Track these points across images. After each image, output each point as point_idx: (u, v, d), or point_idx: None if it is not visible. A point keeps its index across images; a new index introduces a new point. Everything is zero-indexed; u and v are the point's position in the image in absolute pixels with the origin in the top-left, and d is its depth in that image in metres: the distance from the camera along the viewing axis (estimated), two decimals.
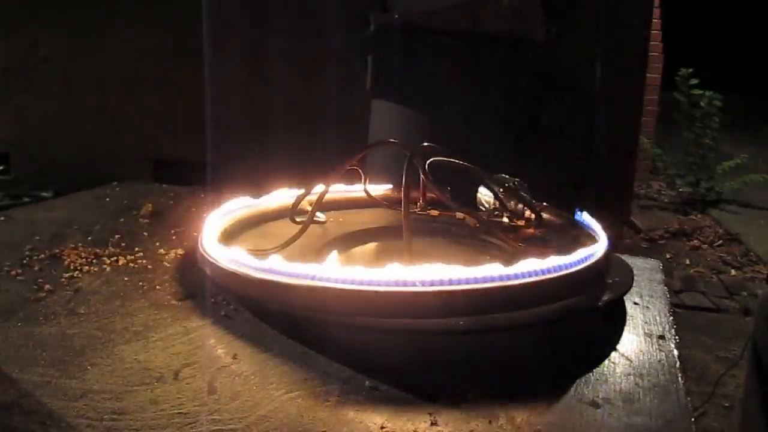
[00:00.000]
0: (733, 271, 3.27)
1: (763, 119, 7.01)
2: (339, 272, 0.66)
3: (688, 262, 3.41)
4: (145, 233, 1.00)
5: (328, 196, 1.05)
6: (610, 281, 0.79)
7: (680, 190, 4.29)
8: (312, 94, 2.85)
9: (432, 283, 0.64)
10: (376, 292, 0.64)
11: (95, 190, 1.22)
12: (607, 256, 0.76)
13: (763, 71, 8.04)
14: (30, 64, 3.37)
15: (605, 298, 0.74)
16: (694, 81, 4.19)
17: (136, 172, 3.34)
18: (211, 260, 0.77)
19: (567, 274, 0.68)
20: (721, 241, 3.64)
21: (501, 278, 0.65)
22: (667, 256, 3.49)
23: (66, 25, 3.28)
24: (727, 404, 2.05)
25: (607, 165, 3.34)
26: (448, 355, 0.66)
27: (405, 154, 0.94)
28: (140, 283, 0.81)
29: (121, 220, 1.06)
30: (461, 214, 1.06)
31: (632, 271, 0.84)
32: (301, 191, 1.00)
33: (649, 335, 0.74)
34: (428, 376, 0.63)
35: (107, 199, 1.17)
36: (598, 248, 0.76)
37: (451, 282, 0.64)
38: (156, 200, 1.16)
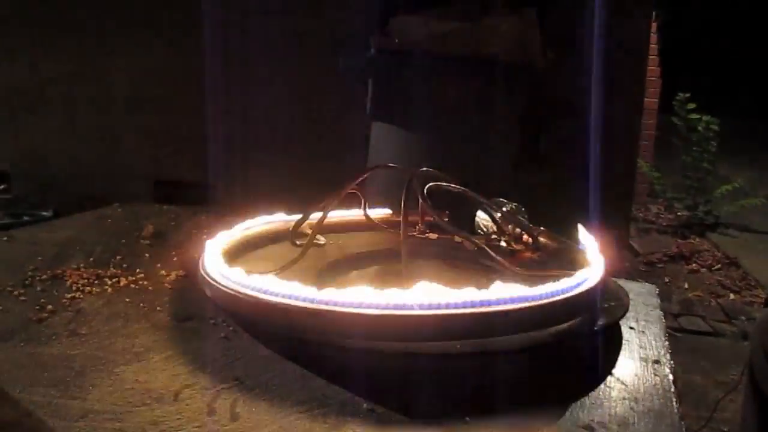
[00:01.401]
0: (731, 295, 3.27)
1: (761, 144, 7.05)
2: (337, 295, 0.67)
3: (686, 285, 3.41)
4: (147, 254, 1.01)
5: (327, 220, 1.07)
6: (607, 306, 0.79)
7: (678, 213, 4.30)
8: (313, 116, 2.87)
9: (429, 307, 0.65)
10: (373, 315, 0.65)
11: (97, 211, 1.23)
12: (603, 281, 0.77)
13: (760, 96, 8.11)
14: (32, 85, 3.40)
15: (601, 322, 0.75)
16: (691, 105, 4.22)
17: (136, 191, 3.36)
18: (211, 282, 0.78)
19: (562, 299, 0.69)
20: (719, 265, 3.64)
21: (497, 302, 0.66)
22: (666, 279, 3.50)
23: (68, 46, 3.32)
24: (725, 429, 2.04)
25: (606, 189, 3.36)
26: (446, 378, 0.67)
27: (404, 178, 0.95)
28: (141, 305, 0.82)
29: (123, 241, 1.07)
30: (459, 237, 1.07)
31: (628, 296, 0.85)
32: (301, 214, 1.01)
33: (644, 360, 0.75)
34: (425, 399, 0.64)
35: (109, 220, 1.18)
36: (593, 273, 0.77)
37: (448, 306, 0.65)
38: (157, 221, 1.17)
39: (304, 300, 0.68)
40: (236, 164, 3.04)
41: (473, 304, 0.65)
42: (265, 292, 0.71)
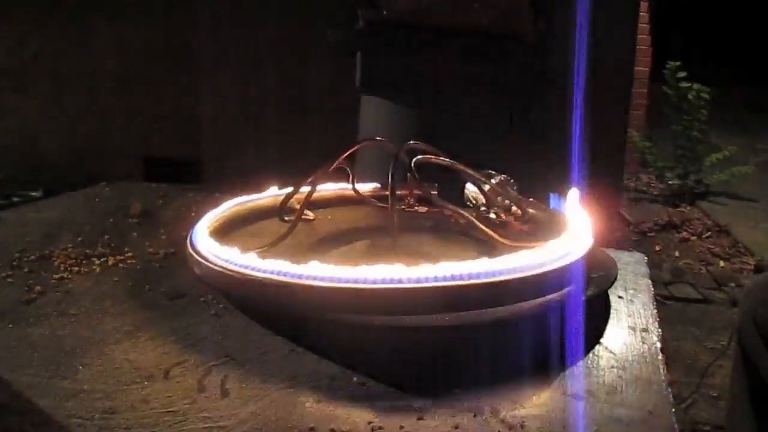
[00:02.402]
0: (721, 263, 3.30)
1: (750, 111, 7.06)
2: (325, 270, 0.67)
3: (677, 254, 3.43)
4: (135, 233, 1.01)
5: (317, 194, 1.06)
6: (595, 275, 0.80)
7: (669, 182, 4.31)
8: (303, 90, 2.85)
9: (418, 280, 0.65)
10: (362, 290, 0.65)
11: (85, 191, 1.22)
12: (590, 251, 0.77)
13: (750, 63, 8.09)
14: (19, 63, 3.36)
15: (589, 292, 0.75)
16: (682, 74, 4.21)
17: (126, 170, 3.34)
18: (200, 259, 0.77)
19: (550, 270, 0.69)
20: (709, 233, 3.67)
21: (486, 274, 0.66)
22: (657, 248, 3.52)
23: (54, 23, 3.27)
24: (715, 394, 2.07)
25: (596, 159, 3.35)
26: (435, 350, 0.67)
27: (392, 152, 0.95)
28: (130, 284, 0.82)
29: (111, 220, 1.06)
30: (448, 210, 1.07)
31: (616, 265, 0.85)
32: (289, 190, 1.01)
33: (632, 328, 0.75)
34: (415, 372, 0.64)
35: (97, 200, 1.18)
36: (581, 243, 0.77)
37: (436, 279, 0.65)
38: (145, 200, 1.16)
39: (290, 275, 0.68)
40: (225, 141, 3.02)
41: (461, 277, 0.65)
42: (252, 269, 0.71)
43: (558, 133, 2.58)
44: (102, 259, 0.89)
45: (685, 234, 3.68)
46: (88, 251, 0.91)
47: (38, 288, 0.79)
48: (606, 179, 3.39)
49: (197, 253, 0.79)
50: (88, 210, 1.12)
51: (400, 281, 0.65)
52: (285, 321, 0.70)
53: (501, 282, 0.66)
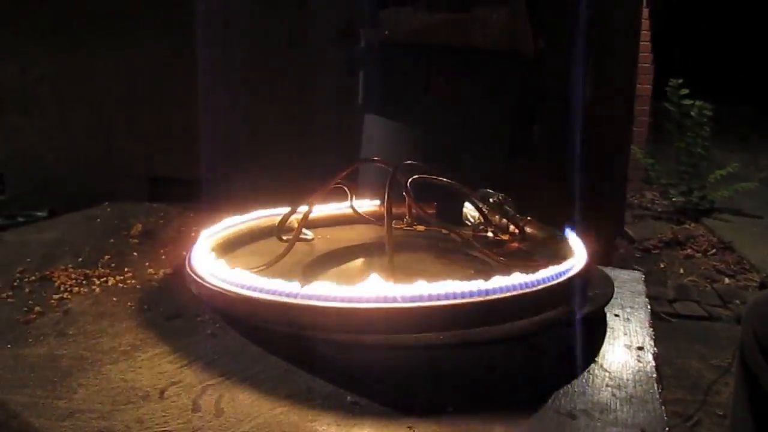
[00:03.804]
0: (726, 280, 3.29)
1: (753, 128, 7.07)
2: (318, 289, 0.67)
3: (681, 271, 3.43)
4: (135, 253, 1.01)
5: (316, 214, 1.07)
6: (591, 294, 0.80)
7: (673, 199, 4.31)
8: (306, 110, 2.88)
9: (411, 299, 0.65)
10: (356, 309, 0.66)
11: (86, 211, 1.23)
12: (586, 270, 0.78)
13: (751, 80, 8.11)
14: (23, 84, 3.40)
15: (585, 310, 0.75)
16: (684, 91, 4.23)
17: (130, 190, 3.36)
18: (197, 279, 0.78)
19: (545, 288, 0.69)
20: (714, 250, 3.66)
21: (479, 293, 0.66)
22: (661, 265, 3.52)
23: (58, 45, 3.31)
24: (720, 413, 2.05)
25: (600, 176, 3.36)
26: (428, 369, 0.67)
27: (389, 171, 0.96)
28: (129, 304, 0.83)
29: (111, 240, 1.07)
30: (445, 229, 1.08)
31: (613, 284, 0.85)
32: (287, 209, 1.02)
33: (628, 347, 0.75)
34: (408, 390, 0.64)
35: (98, 220, 1.19)
36: (576, 262, 0.78)
37: (430, 298, 0.66)
38: (146, 220, 1.17)
39: (285, 295, 0.69)
40: (229, 160, 3.04)
41: (455, 296, 0.66)
42: (247, 288, 0.71)
43: (560, 151, 2.59)
44: (102, 280, 0.89)
45: (689, 251, 3.67)
46: (88, 271, 0.92)
47: (38, 308, 0.79)
48: (609, 197, 3.40)
49: (194, 272, 0.80)
50: (89, 230, 1.13)
51: (393, 300, 0.66)
52: (280, 340, 0.70)
53: (495, 301, 0.67)
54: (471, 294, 0.66)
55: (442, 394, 0.64)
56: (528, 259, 0.89)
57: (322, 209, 1.13)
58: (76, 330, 0.75)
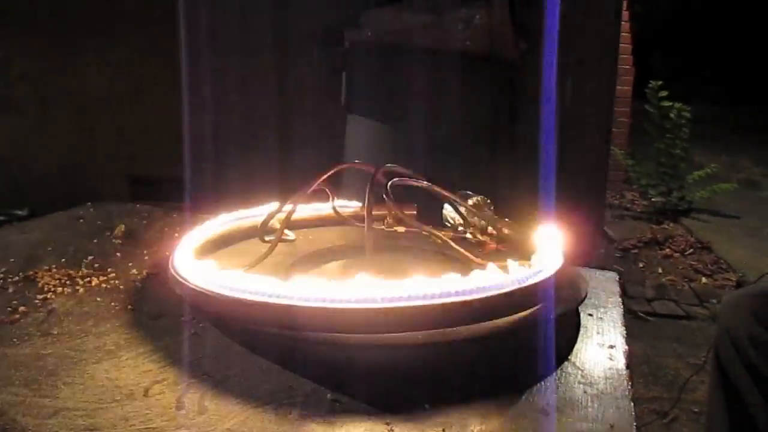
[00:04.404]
0: (704, 279, 3.35)
1: (731, 129, 7.18)
2: (299, 289, 0.69)
3: (660, 270, 3.48)
4: (118, 254, 1.02)
5: (299, 215, 1.09)
6: (565, 294, 0.82)
7: (653, 199, 4.37)
8: (288, 110, 2.88)
9: (391, 300, 0.67)
10: (337, 309, 0.67)
11: (70, 211, 1.24)
12: (561, 270, 0.80)
13: (730, 82, 8.24)
14: (4, 82, 3.37)
15: (559, 310, 0.78)
16: (663, 93, 4.29)
17: (113, 189, 3.35)
18: (180, 279, 0.79)
19: (521, 288, 0.72)
20: (692, 250, 3.72)
21: (457, 293, 0.69)
22: (640, 264, 3.57)
23: (40, 42, 3.29)
24: (696, 410, 2.10)
25: (579, 177, 3.41)
26: (407, 367, 0.69)
27: (369, 174, 0.98)
28: (112, 303, 0.84)
29: (95, 241, 1.08)
30: (424, 231, 1.10)
31: (587, 284, 0.88)
32: (269, 211, 1.03)
33: (601, 345, 0.78)
34: (387, 388, 0.66)
35: (81, 220, 1.19)
36: (551, 263, 0.80)
37: (409, 298, 0.68)
38: (129, 221, 1.18)
39: (266, 295, 0.70)
40: (211, 159, 3.04)
41: (432, 296, 0.68)
42: (229, 288, 0.73)
43: (539, 152, 2.63)
44: (85, 280, 0.90)
45: (668, 251, 3.73)
46: (71, 272, 0.93)
47: (22, 308, 0.80)
48: (589, 197, 3.44)
49: (177, 273, 0.81)
50: (72, 231, 1.13)
51: (373, 300, 0.68)
52: (262, 339, 0.72)
53: (471, 301, 0.69)
54: (448, 294, 0.68)
55: (420, 392, 0.66)
56: (505, 260, 0.92)
57: (304, 210, 1.15)
58: (61, 330, 0.76)
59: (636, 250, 3.77)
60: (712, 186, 4.28)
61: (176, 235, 1.11)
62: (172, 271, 0.83)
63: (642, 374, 2.32)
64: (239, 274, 0.75)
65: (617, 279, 1.00)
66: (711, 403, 1.47)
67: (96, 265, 0.96)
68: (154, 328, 0.77)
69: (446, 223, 1.16)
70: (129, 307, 0.83)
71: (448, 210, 1.16)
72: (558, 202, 3.03)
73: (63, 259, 0.98)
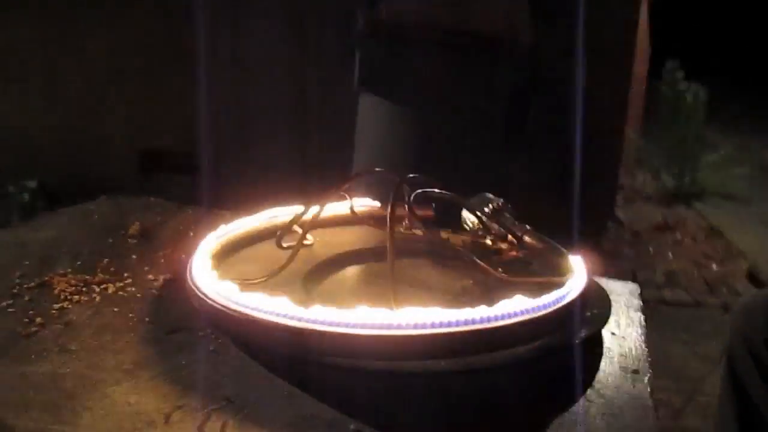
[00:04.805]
0: (714, 266, 3.33)
1: (746, 112, 7.08)
2: (323, 314, 0.68)
3: (670, 256, 3.46)
4: (134, 256, 1.01)
5: (313, 214, 1.08)
6: (589, 314, 0.81)
7: (665, 182, 4.34)
8: (300, 93, 2.85)
9: (414, 326, 0.66)
10: (359, 335, 0.66)
11: (82, 206, 1.23)
12: (585, 292, 0.79)
13: (747, 64, 8.09)
14: (11, 55, 3.34)
15: (583, 333, 0.76)
16: (679, 73, 4.22)
17: (121, 162, 3.34)
18: (198, 294, 0.78)
19: (545, 315, 0.70)
20: (704, 235, 3.69)
21: (481, 320, 0.67)
22: (651, 249, 3.55)
23: (48, 15, 3.25)
24: (704, 399, 2.10)
25: (592, 160, 3.37)
26: (429, 396, 0.69)
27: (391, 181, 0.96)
28: (130, 314, 0.83)
29: (110, 240, 1.07)
30: (446, 234, 1.08)
31: (610, 300, 0.86)
32: (287, 214, 1.02)
33: (624, 369, 0.77)
34: (409, 417, 0.65)
35: (95, 216, 1.18)
36: (575, 283, 0.79)
37: (433, 325, 0.66)
38: (144, 217, 1.17)
39: (288, 318, 0.69)
40: (226, 139, 3.02)
41: (458, 323, 0.67)
42: (250, 308, 0.72)
43: (554, 135, 2.59)
44: (102, 287, 0.89)
45: (679, 236, 3.71)
46: (87, 277, 0.92)
47: (39, 319, 0.80)
48: (601, 181, 3.41)
49: (195, 285, 0.80)
50: (86, 229, 1.12)
51: (396, 327, 0.67)
52: (282, 362, 0.71)
53: (496, 328, 0.68)
54: (473, 321, 0.67)
55: (442, 421, 0.65)
56: (527, 274, 0.91)
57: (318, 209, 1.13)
58: (78, 345, 0.75)
59: (647, 235, 3.75)
60: (725, 169, 4.24)
61: (192, 236, 1.10)
62: (189, 282, 0.82)
63: (651, 364, 2.33)
64: (259, 294, 0.74)
65: (638, 292, 0.98)
66: (722, 407, 1.46)
67: (112, 269, 0.95)
68: (172, 344, 0.76)
69: (465, 226, 1.14)
70: (146, 319, 0.82)
71: (466, 213, 1.14)
72: (570, 187, 3.01)
73: (78, 262, 0.97)
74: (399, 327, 0.66)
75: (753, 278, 3.03)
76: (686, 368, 2.31)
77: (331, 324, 0.68)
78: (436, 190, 0.98)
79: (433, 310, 0.67)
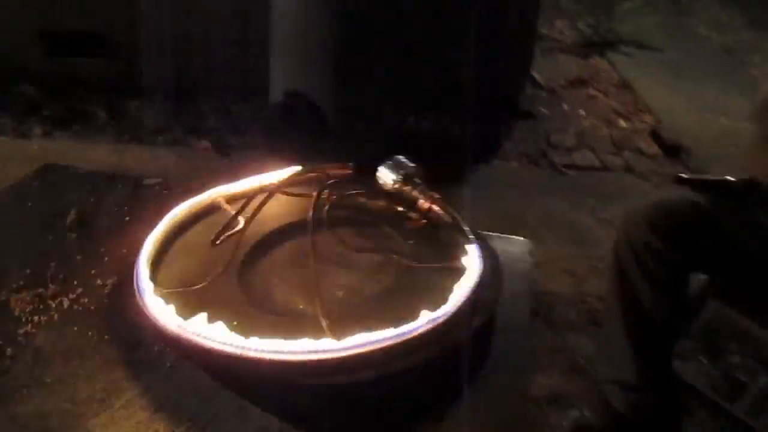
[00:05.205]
0: (622, 122, 3.55)
1: None
2: (256, 344, 0.83)
3: (583, 113, 3.66)
4: (78, 257, 1.10)
5: (239, 190, 1.19)
6: (483, 297, 0.97)
7: (581, 30, 4.42)
8: None
9: (329, 351, 0.82)
10: (289, 360, 0.82)
11: (13, 189, 1.27)
12: (479, 283, 0.95)
13: None
14: None
15: (475, 323, 0.93)
16: None
17: (21, 44, 3.18)
18: (149, 319, 0.91)
19: (444, 325, 0.87)
20: (615, 89, 3.88)
21: (387, 338, 0.83)
22: (565, 107, 3.73)
23: None
24: (601, 266, 2.40)
25: (509, 19, 3.41)
26: (350, 402, 0.86)
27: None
28: (89, 333, 0.94)
29: (50, 237, 1.14)
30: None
31: (501, 284, 1.02)
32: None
33: (505, 358, 0.95)
34: (340, 421, 0.83)
35: (29, 203, 1.23)
36: (471, 274, 0.94)
37: (351, 347, 0.82)
38: (78, 199, 1.23)
39: (233, 347, 0.83)
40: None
41: (365, 344, 0.83)
42: (196, 335, 0.86)
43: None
44: (57, 301, 0.99)
45: (592, 90, 3.89)
46: (41, 290, 1.01)
47: (9, 350, 0.90)
48: (517, 41, 3.47)
49: (146, 313, 0.92)
50: (23, 222, 1.18)
51: (322, 351, 0.82)
52: (230, 380, 0.86)
53: (399, 343, 0.84)
54: (373, 342, 0.83)
55: (359, 423, 0.83)
56: (430, 259, 1.05)
57: (244, 184, 1.23)
58: (53, 377, 0.87)
59: (562, 91, 3.90)
60: (640, 17, 4.33)
61: (127, 219, 1.18)
62: (139, 302, 0.94)
63: (556, 232, 2.59)
64: (200, 320, 0.87)
65: (528, 249, 1.15)
66: (609, 296, 1.72)
67: (61, 276, 1.05)
68: (134, 363, 0.89)
69: (380, 183, 1.26)
70: (105, 336, 0.94)
71: (382, 172, 1.25)
72: (484, 46, 3.09)
73: (27, 270, 1.06)
74: (320, 352, 0.82)
75: (656, 136, 3.27)
76: (590, 234, 2.58)
77: (260, 351, 0.82)
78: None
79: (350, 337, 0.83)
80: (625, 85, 3.87)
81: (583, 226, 2.67)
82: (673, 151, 3.19)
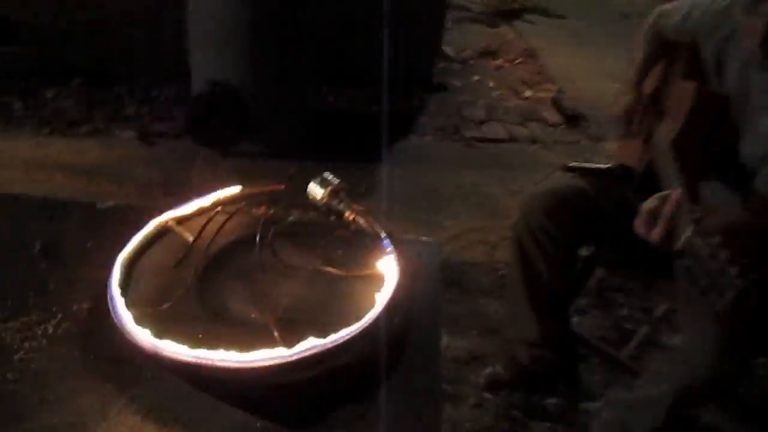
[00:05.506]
0: (527, 92, 3.85)
1: None
2: (225, 356, 1.04)
3: (492, 84, 3.92)
4: (51, 285, 1.26)
5: (185, 212, 1.38)
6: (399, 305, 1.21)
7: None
8: None
9: (274, 358, 1.05)
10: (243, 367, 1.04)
11: None
12: (395, 293, 1.18)
13: None
14: None
15: (392, 324, 1.17)
16: None
17: None
18: (126, 336, 1.10)
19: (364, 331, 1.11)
20: (521, 59, 4.16)
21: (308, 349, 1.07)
22: (475, 78, 3.99)
23: None
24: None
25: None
26: (291, 396, 1.09)
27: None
28: (76, 354, 1.13)
29: (23, 268, 1.29)
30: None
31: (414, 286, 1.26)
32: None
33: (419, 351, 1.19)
34: (290, 410, 1.06)
35: None
36: (387, 289, 1.18)
37: (293, 354, 1.05)
38: (40, 228, 1.37)
39: (192, 357, 1.05)
40: None
41: (298, 352, 1.06)
42: (168, 351, 1.06)
43: None
44: (42, 327, 1.16)
45: (500, 61, 4.15)
46: (25, 319, 1.17)
47: (9, 375, 1.08)
48: (428, 18, 3.66)
49: (125, 331, 1.11)
50: None
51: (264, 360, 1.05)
52: (201, 383, 1.07)
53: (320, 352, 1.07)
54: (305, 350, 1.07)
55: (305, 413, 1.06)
56: (356, 269, 1.28)
57: (192, 206, 1.42)
58: (54, 395, 1.05)
59: (472, 61, 4.15)
60: None
61: (89, 245, 1.35)
62: (116, 326, 1.13)
63: (470, 204, 2.87)
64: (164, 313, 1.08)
65: (439, 249, 1.40)
66: (512, 270, 2.02)
67: (40, 305, 1.21)
68: (121, 377, 1.08)
69: (311, 197, 1.47)
70: (91, 356, 1.12)
71: (312, 187, 1.46)
72: (395, 21, 3.27)
73: (9, 302, 1.21)
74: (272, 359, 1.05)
75: (557, 105, 3.57)
76: (499, 204, 2.86)
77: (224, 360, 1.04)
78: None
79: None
80: (530, 54, 4.15)
81: (493, 197, 2.96)
82: (573, 119, 3.51)
